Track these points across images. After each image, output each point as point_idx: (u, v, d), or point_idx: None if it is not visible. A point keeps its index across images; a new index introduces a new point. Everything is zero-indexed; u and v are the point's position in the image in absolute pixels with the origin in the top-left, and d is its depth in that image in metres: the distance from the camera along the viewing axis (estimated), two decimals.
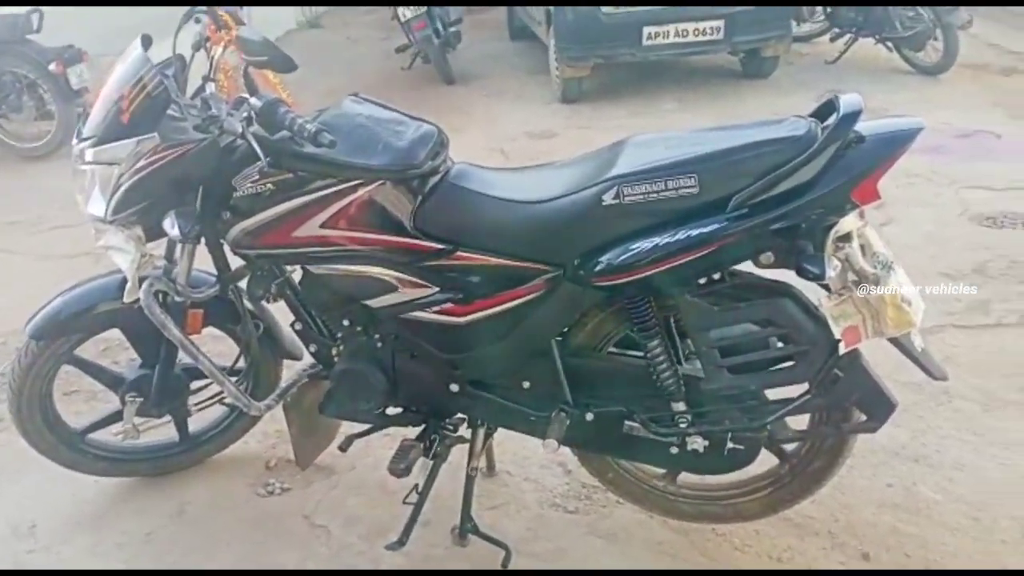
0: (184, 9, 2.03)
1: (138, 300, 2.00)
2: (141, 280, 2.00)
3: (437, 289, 1.87)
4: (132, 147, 1.81)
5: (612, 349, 1.98)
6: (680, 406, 1.87)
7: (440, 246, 1.83)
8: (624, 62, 6.41)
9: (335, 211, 1.83)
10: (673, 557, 2.14)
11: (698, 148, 1.70)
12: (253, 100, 1.77)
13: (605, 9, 6.04)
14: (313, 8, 10.56)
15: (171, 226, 1.87)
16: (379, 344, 2.05)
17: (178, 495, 2.47)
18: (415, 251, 1.84)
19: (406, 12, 7.02)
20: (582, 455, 2.14)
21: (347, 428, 2.28)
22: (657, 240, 1.67)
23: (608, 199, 1.69)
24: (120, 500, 2.48)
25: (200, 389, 2.40)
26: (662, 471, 2.13)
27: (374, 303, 1.93)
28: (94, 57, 5.97)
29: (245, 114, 1.80)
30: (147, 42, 1.91)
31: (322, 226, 1.84)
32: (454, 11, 7.37)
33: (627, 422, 1.92)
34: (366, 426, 2.17)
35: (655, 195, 1.67)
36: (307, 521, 2.34)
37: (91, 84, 5.81)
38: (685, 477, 2.13)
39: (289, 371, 2.41)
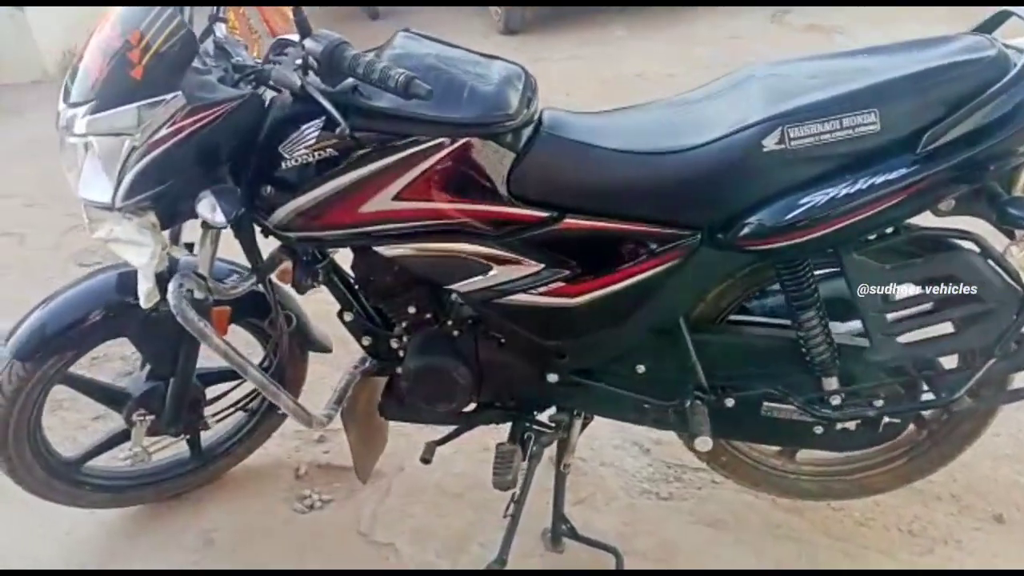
0: None
1: (157, 305, 1.60)
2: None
3: (542, 266, 1.53)
4: (147, 111, 1.39)
5: (732, 319, 1.71)
6: (832, 382, 1.61)
7: (544, 213, 1.49)
8: None
9: (412, 179, 1.46)
10: (796, 541, 1.91)
11: (867, 77, 1.41)
12: (309, 43, 1.37)
13: None
14: None
15: (210, 210, 1.43)
16: (456, 333, 1.71)
17: (200, 523, 2.09)
18: (513, 221, 1.50)
19: None
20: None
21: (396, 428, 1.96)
22: (832, 192, 1.38)
23: (770, 144, 1.38)
24: (130, 535, 2.08)
25: (216, 398, 2.01)
26: (777, 449, 1.90)
27: (460, 287, 1.58)
28: None
29: (298, 60, 1.40)
30: None
31: (396, 198, 1.47)
32: None
33: (766, 403, 1.66)
34: (447, 430, 1.85)
35: (828, 136, 1.37)
36: (365, 539, 2.01)
37: None
38: (804, 454, 1.90)
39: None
